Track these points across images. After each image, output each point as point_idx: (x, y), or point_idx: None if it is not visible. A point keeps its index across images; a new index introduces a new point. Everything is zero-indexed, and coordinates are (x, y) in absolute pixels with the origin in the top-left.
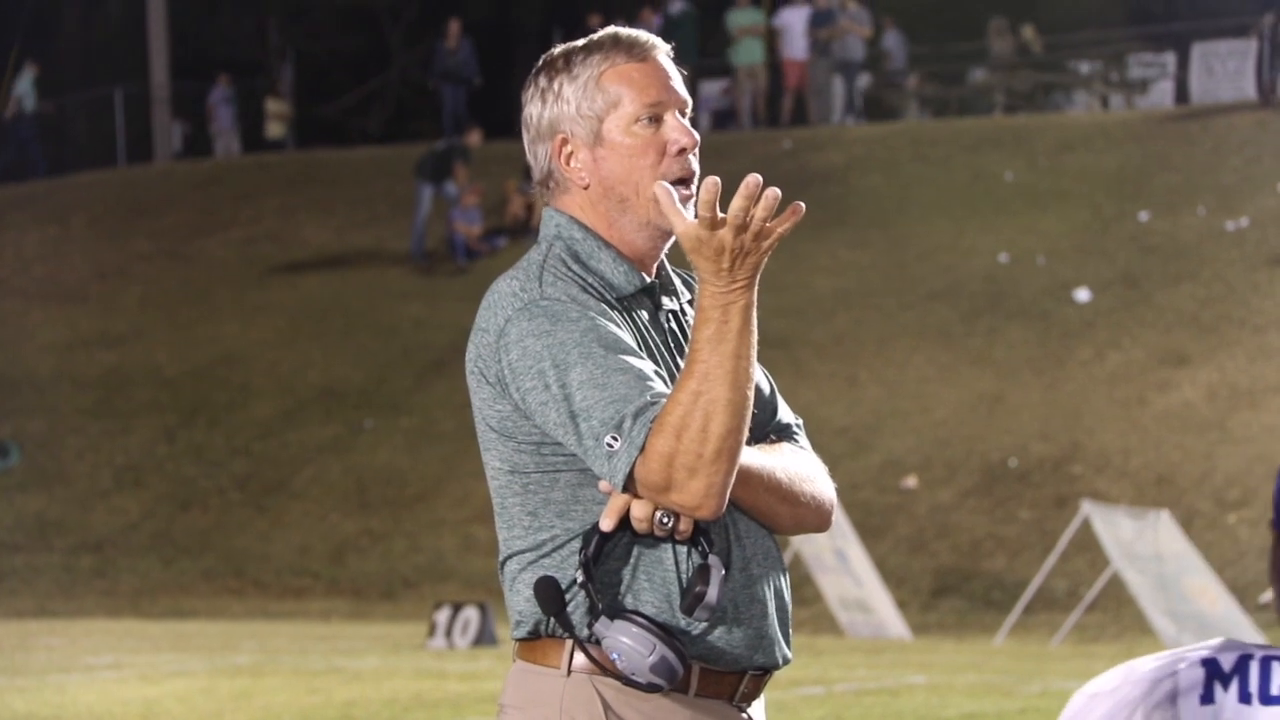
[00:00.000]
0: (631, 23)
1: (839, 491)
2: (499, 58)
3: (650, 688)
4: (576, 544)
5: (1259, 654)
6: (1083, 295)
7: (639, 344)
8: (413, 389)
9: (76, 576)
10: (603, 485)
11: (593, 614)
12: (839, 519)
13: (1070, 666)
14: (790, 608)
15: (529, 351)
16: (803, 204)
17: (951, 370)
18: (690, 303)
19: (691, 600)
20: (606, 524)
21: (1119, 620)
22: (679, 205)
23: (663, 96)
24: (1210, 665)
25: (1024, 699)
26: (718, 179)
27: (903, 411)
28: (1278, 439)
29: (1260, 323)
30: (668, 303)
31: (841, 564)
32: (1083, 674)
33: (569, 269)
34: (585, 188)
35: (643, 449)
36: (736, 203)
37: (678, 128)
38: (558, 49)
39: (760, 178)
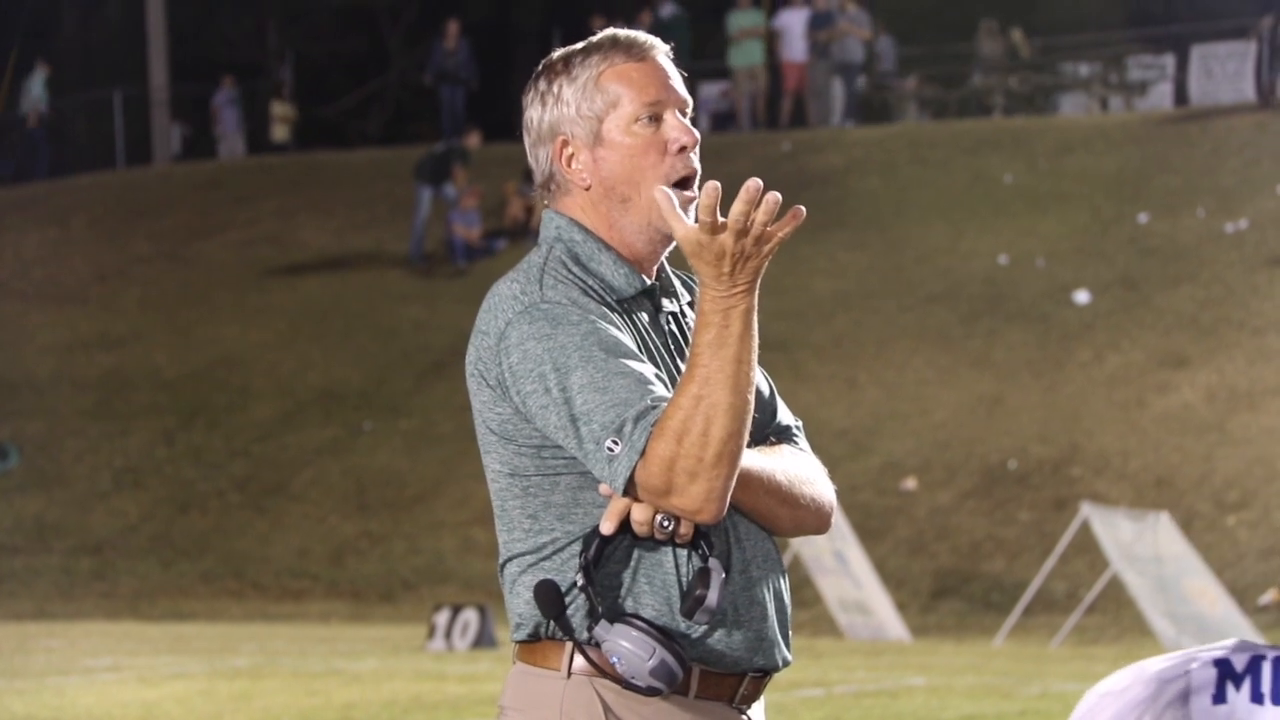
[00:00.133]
0: (630, 25)
1: (838, 493)
2: (498, 59)
3: (650, 691)
4: (576, 547)
5: (1271, 655)
6: (1082, 297)
7: (639, 346)
8: (412, 391)
9: (75, 578)
10: (603, 489)
11: (593, 617)
12: (838, 521)
13: (1070, 668)
14: (790, 610)
15: (530, 355)
16: (803, 208)
17: (951, 372)
18: (690, 305)
19: (691, 603)
20: (607, 527)
21: (1118, 622)
22: (679, 210)
23: (662, 95)
24: (1223, 665)
25: (1023, 701)
26: (718, 184)
27: (902, 413)
28: (1277, 441)
29: (1259, 324)
30: (668, 305)
31: (841, 566)
32: (1082, 676)
33: (569, 271)
34: (586, 189)
35: (643, 453)
36: (737, 207)
37: (678, 126)
38: (557, 52)
39: (761, 182)
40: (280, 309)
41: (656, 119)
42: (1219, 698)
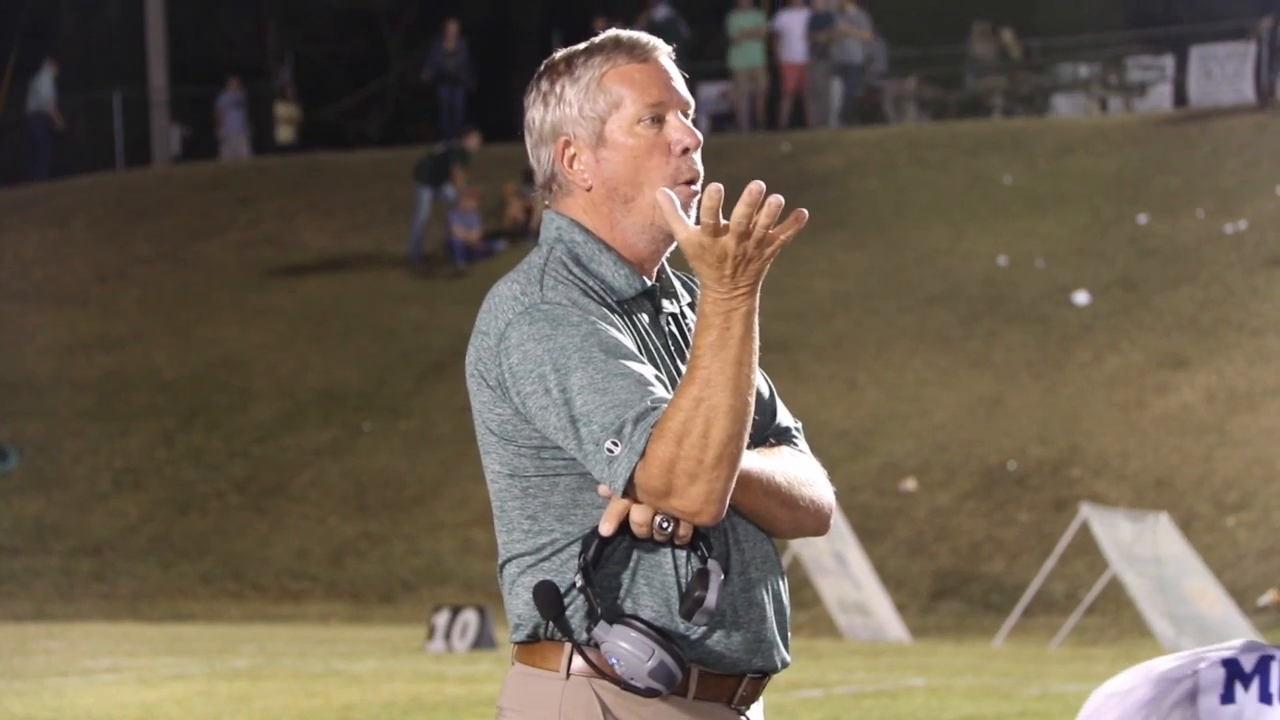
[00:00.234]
0: (630, 25)
1: (838, 494)
2: (498, 60)
3: (648, 692)
4: (576, 548)
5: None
6: (1081, 298)
7: (639, 348)
8: (411, 392)
9: (75, 580)
10: (602, 490)
11: (592, 618)
12: (838, 522)
13: (1069, 669)
14: (789, 611)
15: (530, 356)
16: (805, 212)
17: (950, 373)
18: (691, 306)
19: (690, 605)
20: (606, 528)
21: (1118, 623)
22: (681, 212)
23: (664, 97)
24: (1231, 665)
25: (1023, 701)
26: (720, 186)
27: (901, 414)
28: (1276, 442)
29: (1259, 325)
30: (668, 306)
31: (840, 567)
32: (1082, 676)
33: (570, 272)
34: (588, 190)
35: (643, 454)
36: (739, 210)
37: (680, 128)
38: (559, 53)
39: (763, 185)
40: (280, 310)
41: (659, 120)
42: (1227, 698)
